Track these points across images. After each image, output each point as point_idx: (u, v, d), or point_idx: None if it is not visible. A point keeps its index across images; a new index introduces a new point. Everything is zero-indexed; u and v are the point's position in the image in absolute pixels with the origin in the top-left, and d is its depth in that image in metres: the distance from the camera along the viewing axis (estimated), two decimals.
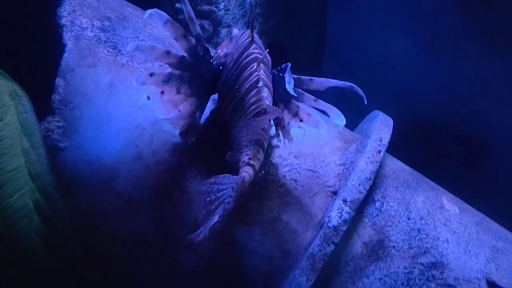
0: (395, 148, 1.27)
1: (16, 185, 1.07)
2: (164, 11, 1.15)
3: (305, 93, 1.15)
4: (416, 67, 1.63)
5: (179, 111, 1.06)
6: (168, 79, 1.06)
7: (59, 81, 1.16)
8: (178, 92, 1.07)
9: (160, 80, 1.04)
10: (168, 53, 1.05)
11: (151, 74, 1.03)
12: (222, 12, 1.56)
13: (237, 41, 1.11)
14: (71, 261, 1.13)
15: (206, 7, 1.54)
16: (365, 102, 1.10)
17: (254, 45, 1.08)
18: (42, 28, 1.24)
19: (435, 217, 1.19)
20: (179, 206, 1.15)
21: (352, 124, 1.43)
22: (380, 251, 1.14)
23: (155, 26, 1.29)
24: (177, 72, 1.07)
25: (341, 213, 1.10)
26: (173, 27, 1.05)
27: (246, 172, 0.98)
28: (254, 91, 1.04)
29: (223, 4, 1.53)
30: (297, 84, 1.13)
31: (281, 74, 1.14)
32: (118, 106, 1.17)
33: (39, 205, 1.10)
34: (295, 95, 1.07)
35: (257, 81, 1.04)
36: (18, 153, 1.08)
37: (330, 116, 1.13)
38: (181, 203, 1.15)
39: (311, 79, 1.15)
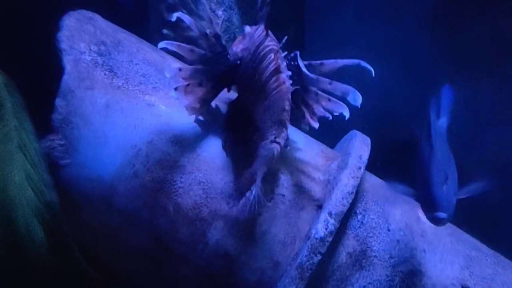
0: (372, 165, 1.36)
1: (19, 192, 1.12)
2: (152, 37, 1.25)
3: (319, 77, 1.24)
4: (392, 91, 1.74)
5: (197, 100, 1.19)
6: (192, 73, 1.19)
7: (59, 101, 1.22)
8: (200, 85, 1.20)
9: (186, 74, 1.18)
10: (192, 50, 1.19)
11: (180, 69, 1.17)
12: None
13: (252, 36, 1.22)
14: (73, 263, 1.18)
15: (193, 33, 1.61)
16: (373, 75, 1.18)
17: (269, 38, 1.20)
18: (40, 51, 1.30)
19: (412, 229, 1.28)
20: (175, 223, 1.21)
21: (333, 144, 1.52)
22: (364, 261, 1.22)
23: (148, 51, 1.36)
24: (200, 67, 1.20)
25: (327, 225, 1.18)
26: (196, 28, 1.20)
27: (274, 147, 1.09)
28: (274, 78, 1.15)
29: (208, 30, 1.61)
30: (309, 69, 1.24)
31: (292, 63, 1.24)
32: (114, 127, 1.23)
33: (40, 213, 1.15)
34: (313, 77, 1.19)
35: (277, 69, 1.15)
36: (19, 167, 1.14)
37: (348, 97, 1.20)
38: (177, 220, 1.21)
39: (321, 63, 1.25)
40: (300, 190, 1.26)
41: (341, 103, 1.24)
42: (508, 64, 1.93)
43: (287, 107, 1.13)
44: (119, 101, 1.24)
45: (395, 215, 1.28)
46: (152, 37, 1.61)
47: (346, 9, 1.89)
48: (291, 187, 1.25)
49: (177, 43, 1.17)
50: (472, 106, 1.91)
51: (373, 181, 1.37)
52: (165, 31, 1.62)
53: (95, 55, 1.28)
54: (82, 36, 1.29)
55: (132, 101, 1.25)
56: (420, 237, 1.27)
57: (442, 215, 1.09)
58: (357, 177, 1.24)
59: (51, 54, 1.26)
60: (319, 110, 1.23)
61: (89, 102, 1.22)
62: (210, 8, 1.60)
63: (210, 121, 1.27)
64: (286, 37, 1.23)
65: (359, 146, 1.31)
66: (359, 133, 1.40)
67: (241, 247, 1.20)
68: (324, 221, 1.18)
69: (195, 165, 1.22)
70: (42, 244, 1.14)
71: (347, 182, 1.22)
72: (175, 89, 1.17)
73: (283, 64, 1.17)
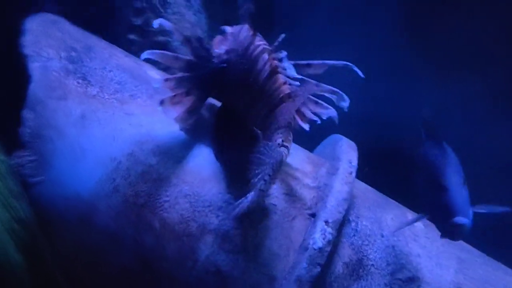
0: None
1: None
2: (118, 43, 1.19)
3: (306, 79, 1.19)
4: (370, 96, 1.72)
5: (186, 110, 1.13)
6: (178, 82, 1.12)
7: (27, 113, 1.11)
8: (188, 93, 1.13)
9: (172, 84, 1.11)
10: (176, 58, 1.13)
11: (166, 80, 1.10)
12: (177, 43, 1.57)
13: (237, 37, 1.15)
14: (52, 284, 1.07)
15: (161, 38, 1.54)
16: (362, 76, 1.15)
17: (258, 37, 1.14)
18: None
19: (405, 233, 1.25)
20: (161, 239, 1.12)
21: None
22: (361, 270, 1.18)
23: (120, 57, 1.27)
24: (186, 74, 1.13)
25: (324, 234, 1.13)
26: (177, 32, 1.14)
27: (283, 151, 1.06)
28: (272, 79, 1.10)
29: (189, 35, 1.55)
30: (296, 70, 1.18)
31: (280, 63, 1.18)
32: (92, 139, 1.13)
33: (13, 229, 1.03)
34: (300, 78, 1.14)
35: (274, 69, 1.10)
36: None
37: (335, 99, 1.17)
38: (163, 236, 1.12)
39: (308, 64, 1.20)
40: (291, 198, 1.20)
41: (329, 106, 1.21)
42: (483, 66, 1.98)
43: (293, 109, 1.08)
44: (95, 111, 1.15)
45: (387, 220, 1.25)
46: (118, 43, 1.51)
47: (319, 11, 1.87)
48: (281, 195, 1.19)
49: (160, 51, 1.11)
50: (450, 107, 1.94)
51: (360, 186, 1.33)
52: (132, 36, 1.53)
53: (66, 62, 1.18)
54: (49, 42, 1.18)
55: (109, 110, 1.16)
56: (414, 241, 1.24)
57: (463, 220, 0.99)
58: (350, 183, 1.19)
59: (13, 60, 1.16)
60: (307, 113, 1.19)
61: (62, 113, 1.12)
62: (179, 12, 1.53)
63: (193, 129, 1.19)
64: (283, 36, 1.17)
65: (347, 150, 1.27)
66: (343, 138, 1.36)
67: (234, 262, 1.13)
68: (321, 230, 1.13)
69: (180, 177, 1.14)
70: (18, 264, 1.03)
71: (340, 188, 1.18)
72: (161, 102, 1.09)
73: (280, 64, 1.12)
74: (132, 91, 1.20)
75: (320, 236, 1.13)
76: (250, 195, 1.03)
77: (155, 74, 1.28)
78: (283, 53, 1.17)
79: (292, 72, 1.15)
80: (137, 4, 1.53)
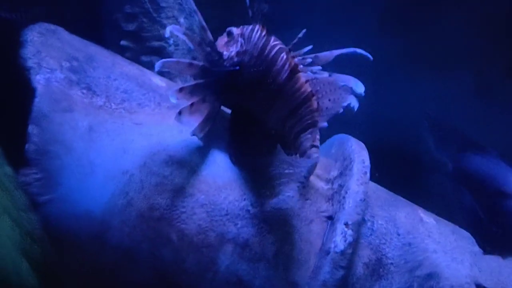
0: None
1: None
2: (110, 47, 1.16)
3: (319, 71, 1.16)
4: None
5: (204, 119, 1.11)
6: (193, 90, 1.09)
7: (32, 129, 1.04)
8: (204, 100, 1.10)
9: (188, 93, 1.08)
10: (190, 64, 1.10)
11: (180, 89, 1.06)
12: (172, 48, 1.53)
13: (248, 38, 1.12)
14: None
15: (156, 43, 1.49)
16: (371, 59, 1.14)
17: (273, 38, 1.12)
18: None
19: (419, 230, 1.25)
20: (180, 252, 1.08)
21: None
22: (381, 270, 1.17)
23: (124, 65, 1.22)
24: (201, 81, 1.10)
25: (345, 236, 1.12)
26: (190, 38, 1.10)
27: (316, 154, 1.06)
28: (293, 79, 1.08)
29: (172, 39, 1.50)
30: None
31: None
32: (101, 152, 1.08)
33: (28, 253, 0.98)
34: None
35: (293, 69, 1.08)
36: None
37: (351, 86, 1.15)
38: (182, 248, 1.08)
39: (316, 56, 1.17)
40: (307, 202, 1.19)
41: (347, 94, 1.19)
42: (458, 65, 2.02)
43: (316, 107, 1.08)
44: (103, 123, 1.10)
45: (401, 218, 1.25)
46: (111, 50, 1.47)
47: (305, 12, 1.86)
48: (298, 200, 1.18)
49: (175, 60, 1.08)
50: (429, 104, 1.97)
51: (371, 185, 1.33)
52: (124, 42, 1.48)
53: (68, 72, 1.12)
54: (50, 52, 1.12)
55: (118, 121, 1.11)
56: (428, 237, 1.25)
57: None
58: (366, 183, 1.19)
59: (14, 74, 1.10)
60: (326, 105, 1.17)
61: (69, 126, 1.06)
62: (173, 16, 1.49)
63: (207, 135, 1.16)
64: (303, 31, 1.14)
65: (359, 150, 1.26)
66: (351, 137, 1.35)
67: (254, 271, 1.10)
68: (342, 232, 1.12)
69: (195, 187, 1.11)
70: (30, 282, 0.97)
71: (357, 189, 1.17)
72: (179, 113, 1.05)
73: (302, 62, 1.10)
74: (140, 99, 1.16)
75: (341, 238, 1.12)
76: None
77: (159, 81, 1.24)
78: (306, 49, 1.15)
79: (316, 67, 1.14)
80: (128, 10, 1.48)
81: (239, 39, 1.16)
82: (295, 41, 1.11)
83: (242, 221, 1.13)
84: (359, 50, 1.17)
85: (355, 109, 1.15)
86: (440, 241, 1.25)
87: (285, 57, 1.09)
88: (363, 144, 1.33)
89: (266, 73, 1.10)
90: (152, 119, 1.15)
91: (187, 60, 1.09)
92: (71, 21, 1.34)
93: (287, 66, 1.09)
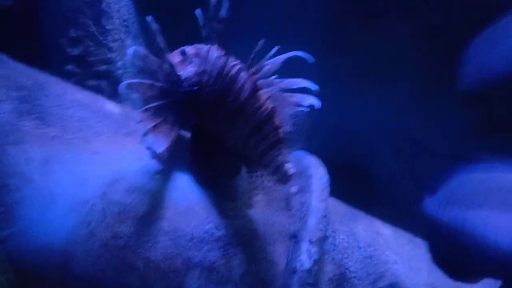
0: None
1: None
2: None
3: (272, 79, 1.18)
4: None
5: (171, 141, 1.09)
6: (156, 111, 1.08)
7: None
8: (166, 121, 1.09)
9: (151, 114, 1.07)
10: (151, 85, 1.08)
11: (144, 111, 1.06)
12: (121, 71, 1.49)
13: (205, 58, 1.12)
14: None
15: (103, 67, 1.46)
16: (312, 61, 1.15)
17: (232, 58, 1.12)
18: None
19: (379, 242, 1.29)
20: (146, 279, 1.06)
21: None
22: (345, 284, 1.19)
23: (75, 92, 1.19)
24: (162, 102, 1.09)
25: (310, 254, 1.13)
26: (148, 59, 1.09)
27: (292, 170, 1.11)
28: (254, 97, 1.10)
29: (120, 62, 1.47)
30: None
31: None
32: (60, 183, 1.04)
33: None
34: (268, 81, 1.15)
35: (254, 87, 1.09)
36: None
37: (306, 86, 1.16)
38: (148, 275, 1.06)
39: (263, 65, 1.17)
40: (269, 222, 1.19)
41: (305, 95, 1.21)
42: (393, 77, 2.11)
43: (279, 124, 1.10)
44: (60, 154, 1.06)
45: (360, 232, 1.29)
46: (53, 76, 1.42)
47: (249, 24, 1.88)
48: (260, 220, 1.18)
49: (138, 80, 1.05)
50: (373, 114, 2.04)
51: (329, 200, 1.36)
52: (69, 67, 1.43)
53: (17, 102, 1.08)
54: None
55: (75, 151, 1.08)
56: (387, 249, 1.29)
57: None
58: (325, 199, 1.21)
59: None
60: (286, 112, 1.18)
61: (23, 158, 1.02)
62: (120, 38, 1.46)
63: (166, 160, 1.15)
64: (261, 42, 1.15)
65: (316, 167, 1.28)
66: (307, 154, 1.38)
67: None
68: (307, 250, 1.14)
69: (158, 213, 1.09)
70: None
71: (318, 206, 1.19)
72: (144, 134, 1.04)
73: (260, 80, 1.11)
74: (96, 127, 1.12)
75: (306, 257, 1.13)
76: None
77: (113, 107, 1.21)
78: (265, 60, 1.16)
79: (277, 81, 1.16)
80: (73, 34, 1.44)
81: (195, 59, 1.16)
82: (252, 55, 1.12)
83: (207, 245, 1.12)
84: (300, 53, 1.18)
85: (319, 107, 1.17)
86: (398, 252, 1.30)
87: (245, 76, 1.10)
88: (320, 161, 1.36)
89: (226, 92, 1.10)
90: (110, 147, 1.12)
91: (148, 81, 1.07)
92: (12, 48, 1.28)
93: (247, 85, 1.10)
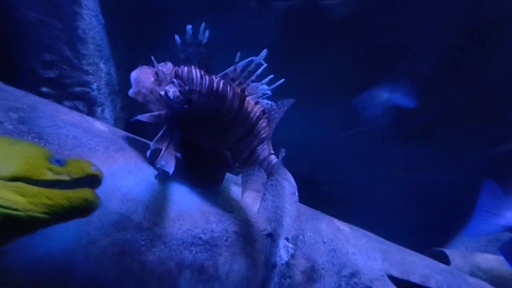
0: None
1: None
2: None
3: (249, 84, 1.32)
4: None
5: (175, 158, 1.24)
6: (162, 136, 1.22)
7: None
8: (170, 143, 1.22)
9: (159, 141, 1.21)
10: (159, 114, 1.23)
11: (157, 140, 1.21)
12: (95, 92, 1.57)
13: (189, 79, 1.25)
14: None
15: (78, 89, 1.53)
16: (265, 65, 1.29)
17: (213, 76, 1.27)
18: None
19: (339, 237, 1.46)
20: (143, 282, 1.16)
21: None
22: (314, 275, 1.35)
23: (65, 112, 1.28)
24: (166, 126, 1.23)
25: (287, 249, 1.29)
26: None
27: (275, 159, 1.28)
28: (245, 104, 1.26)
29: (95, 84, 1.55)
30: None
31: None
32: None
33: None
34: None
35: (243, 95, 1.26)
36: None
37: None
38: (144, 278, 1.17)
39: (225, 74, 1.30)
40: (248, 224, 1.33)
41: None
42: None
43: (267, 123, 1.28)
44: None
45: (323, 229, 1.46)
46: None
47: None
48: (240, 222, 1.32)
49: (150, 114, 1.21)
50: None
51: None
52: (44, 89, 1.50)
53: (16, 123, 1.15)
54: None
55: None
56: (347, 242, 1.46)
57: None
58: (296, 202, 1.37)
59: None
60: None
61: None
62: (94, 62, 1.55)
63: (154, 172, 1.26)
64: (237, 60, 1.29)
65: (285, 174, 1.43)
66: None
67: None
68: (284, 246, 1.29)
69: (151, 220, 1.20)
70: None
71: (291, 208, 1.35)
72: (160, 159, 1.19)
73: (247, 88, 1.27)
74: (89, 144, 1.22)
75: (284, 252, 1.28)
76: None
77: (101, 126, 1.31)
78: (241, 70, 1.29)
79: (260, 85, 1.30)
80: (47, 57, 1.51)
81: (174, 80, 1.27)
82: (234, 67, 1.27)
83: (196, 247, 1.24)
84: (254, 58, 1.31)
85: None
86: (356, 244, 1.48)
87: (231, 88, 1.26)
88: (286, 169, 1.52)
89: (220, 106, 1.25)
90: (104, 162, 1.21)
91: (157, 112, 1.22)
92: None
93: (236, 96, 1.26)
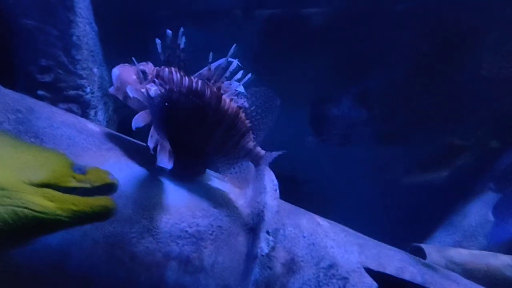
0: None
1: None
2: None
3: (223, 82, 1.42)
4: None
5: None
6: (152, 135, 1.29)
7: None
8: (162, 140, 1.30)
9: (152, 140, 1.28)
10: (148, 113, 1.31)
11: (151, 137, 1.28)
12: (89, 96, 1.66)
13: (170, 79, 1.34)
14: None
15: (73, 92, 1.61)
16: (239, 65, 1.38)
17: (194, 76, 1.36)
18: None
19: (318, 232, 1.55)
20: (132, 272, 1.26)
21: None
22: (294, 267, 1.44)
23: (61, 114, 1.36)
24: (154, 124, 1.29)
25: (268, 242, 1.38)
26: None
27: (262, 151, 1.41)
28: (221, 102, 1.36)
29: (89, 88, 1.63)
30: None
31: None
32: None
33: None
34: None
35: (218, 93, 1.35)
36: None
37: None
38: (134, 268, 1.26)
39: (200, 74, 1.40)
40: (232, 219, 1.42)
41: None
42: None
43: (243, 116, 1.38)
44: None
45: (303, 224, 1.54)
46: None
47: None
48: (224, 217, 1.41)
49: (143, 113, 1.29)
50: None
51: None
52: (40, 92, 1.58)
53: (15, 123, 1.24)
54: None
55: None
56: (325, 237, 1.55)
57: None
58: (277, 198, 1.46)
59: None
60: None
61: None
62: (88, 66, 1.63)
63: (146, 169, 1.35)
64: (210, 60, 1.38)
65: (267, 172, 1.53)
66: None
67: (196, 281, 1.31)
68: (265, 239, 1.38)
69: (139, 214, 1.29)
70: None
71: (272, 203, 1.44)
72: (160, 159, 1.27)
73: (222, 86, 1.37)
74: (82, 144, 1.31)
75: (265, 244, 1.37)
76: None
77: (94, 127, 1.40)
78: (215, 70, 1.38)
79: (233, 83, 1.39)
80: (43, 63, 1.59)
81: (155, 79, 1.36)
82: (208, 67, 1.36)
83: (183, 240, 1.33)
84: (229, 59, 1.40)
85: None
86: (335, 239, 1.57)
87: (208, 87, 1.36)
88: (269, 168, 1.61)
89: (199, 104, 1.35)
90: (96, 161, 1.30)
91: (146, 111, 1.30)
92: None
93: (213, 94, 1.35)
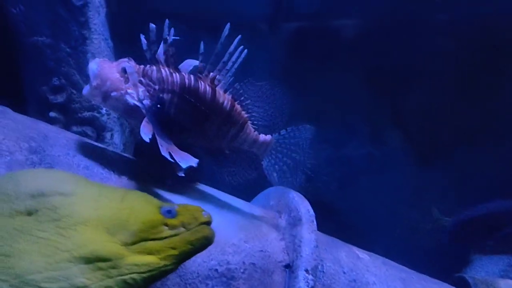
0: None
1: None
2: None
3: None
4: None
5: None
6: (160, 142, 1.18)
7: None
8: (169, 143, 1.19)
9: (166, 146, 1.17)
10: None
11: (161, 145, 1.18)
12: (105, 117, 1.54)
13: (159, 78, 1.21)
14: None
15: (87, 114, 1.49)
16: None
17: (181, 73, 1.25)
18: None
19: (359, 266, 1.41)
20: None
21: None
22: None
23: (76, 141, 1.23)
24: (154, 130, 1.17)
25: (307, 281, 1.23)
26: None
27: (268, 138, 1.35)
28: (216, 94, 1.26)
29: (105, 109, 1.51)
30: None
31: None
32: None
33: None
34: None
35: (212, 85, 1.26)
36: None
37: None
38: None
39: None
40: (265, 255, 1.28)
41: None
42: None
43: (239, 108, 1.30)
44: None
45: (343, 258, 1.40)
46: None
47: None
48: (257, 253, 1.27)
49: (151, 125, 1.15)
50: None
51: None
52: (52, 114, 1.46)
53: (27, 153, 1.11)
54: (6, 133, 1.10)
55: None
56: (367, 272, 1.41)
57: None
58: (315, 231, 1.32)
59: None
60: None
61: None
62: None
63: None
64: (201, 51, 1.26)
65: (302, 201, 1.39)
66: (290, 189, 1.48)
67: None
68: (304, 279, 1.23)
69: None
70: None
71: (309, 237, 1.30)
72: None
73: (213, 75, 1.26)
74: (101, 174, 1.17)
75: (304, 284, 1.23)
76: None
77: (112, 154, 1.27)
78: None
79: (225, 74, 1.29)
80: (56, 82, 1.47)
81: (142, 79, 1.22)
82: (201, 59, 1.25)
83: (212, 280, 1.19)
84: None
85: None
86: (377, 274, 1.43)
87: (201, 81, 1.25)
88: (302, 195, 1.47)
89: (194, 101, 1.23)
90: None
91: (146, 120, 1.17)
92: None
93: (208, 89, 1.24)
